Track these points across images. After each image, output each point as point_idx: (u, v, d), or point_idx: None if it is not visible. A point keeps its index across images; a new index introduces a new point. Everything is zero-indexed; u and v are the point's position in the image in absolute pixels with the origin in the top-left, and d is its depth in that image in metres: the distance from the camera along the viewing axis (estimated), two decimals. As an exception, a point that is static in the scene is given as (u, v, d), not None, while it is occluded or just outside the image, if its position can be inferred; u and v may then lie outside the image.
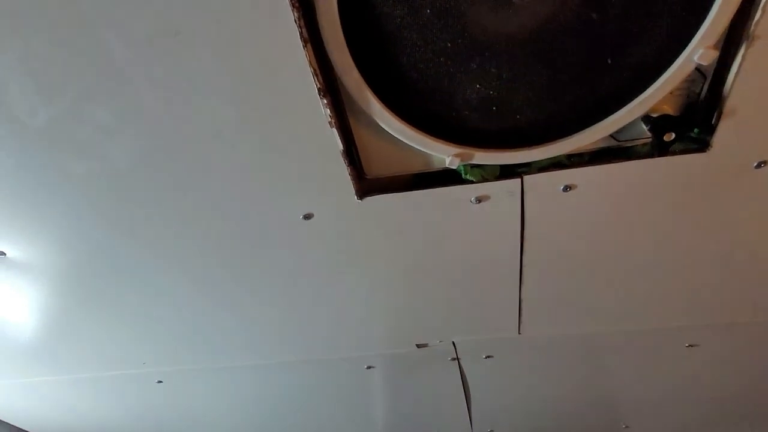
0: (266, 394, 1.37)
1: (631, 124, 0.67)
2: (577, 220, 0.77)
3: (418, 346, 1.13)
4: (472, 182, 0.73)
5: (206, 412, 1.48)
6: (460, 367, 1.21)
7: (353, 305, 0.99)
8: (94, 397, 1.42)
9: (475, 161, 0.70)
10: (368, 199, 0.75)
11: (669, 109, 0.65)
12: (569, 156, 0.71)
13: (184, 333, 1.12)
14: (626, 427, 1.53)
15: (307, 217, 0.79)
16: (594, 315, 1.00)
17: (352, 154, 0.71)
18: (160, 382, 1.32)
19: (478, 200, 0.74)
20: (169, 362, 1.22)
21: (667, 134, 0.64)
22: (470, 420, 1.49)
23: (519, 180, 0.72)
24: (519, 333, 1.06)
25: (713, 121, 0.65)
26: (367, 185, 0.76)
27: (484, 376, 1.26)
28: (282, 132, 0.67)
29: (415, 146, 0.69)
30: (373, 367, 1.22)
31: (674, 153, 0.68)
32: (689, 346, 1.09)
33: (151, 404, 1.44)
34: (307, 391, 1.35)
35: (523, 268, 0.87)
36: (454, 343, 1.12)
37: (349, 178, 0.73)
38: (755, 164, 0.69)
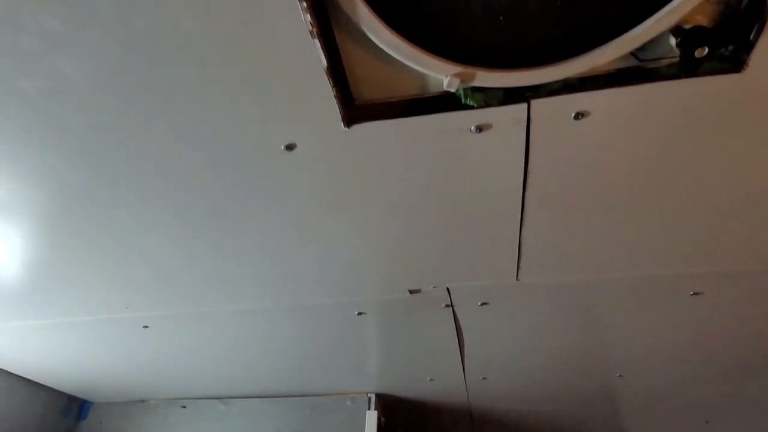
0: (254, 340, 1.34)
1: (655, 40, 0.58)
2: (588, 153, 0.70)
3: (411, 292, 1.09)
4: (472, 108, 0.65)
5: (194, 358, 1.46)
6: (454, 314, 1.17)
7: (342, 247, 0.93)
8: (79, 342, 1.39)
9: (476, 83, 0.62)
10: (356, 127, 0.68)
11: (703, 21, 0.56)
12: (582, 78, 0.63)
13: (165, 277, 1.07)
14: (620, 376, 1.53)
15: (289, 147, 0.71)
16: (597, 260, 0.95)
17: (337, 73, 0.63)
18: (146, 327, 1.29)
19: (479, 129, 0.67)
20: (152, 307, 1.18)
21: (698, 49, 0.55)
22: (463, 367, 1.47)
23: (525, 105, 0.64)
24: (517, 279, 1.01)
25: (752, 36, 0.56)
26: (355, 111, 0.68)
27: (478, 324, 1.22)
28: (256, 44, 0.58)
29: (409, 64, 0.60)
30: (364, 313, 1.19)
31: (704, 74, 0.60)
32: (693, 294, 1.04)
33: (137, 349, 1.42)
34: (296, 338, 1.32)
35: (525, 208, 0.81)
36: (448, 289, 1.07)
37: (334, 101, 0.65)
38: (795, 89, 0.61)
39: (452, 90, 0.62)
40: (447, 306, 1.14)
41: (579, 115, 0.64)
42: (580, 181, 0.75)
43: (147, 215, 0.88)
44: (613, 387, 1.64)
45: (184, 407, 1.81)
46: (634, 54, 0.60)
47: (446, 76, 0.61)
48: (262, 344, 1.36)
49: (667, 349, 1.33)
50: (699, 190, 0.76)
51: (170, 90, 0.64)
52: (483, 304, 1.12)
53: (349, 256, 0.96)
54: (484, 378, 1.56)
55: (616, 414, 1.94)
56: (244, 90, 0.64)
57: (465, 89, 0.64)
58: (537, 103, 0.63)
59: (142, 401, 1.86)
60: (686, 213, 0.80)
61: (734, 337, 1.24)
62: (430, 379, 1.59)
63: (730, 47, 0.58)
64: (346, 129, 0.68)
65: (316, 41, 0.57)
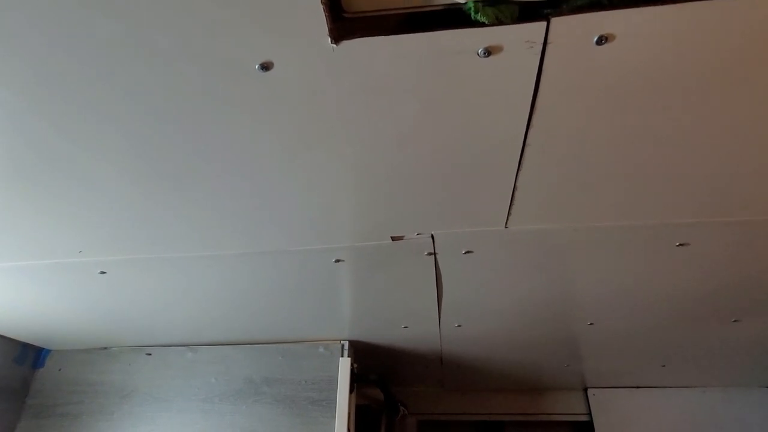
0: (223, 288, 1.26)
1: (698, -48, 0.50)
2: (605, 85, 0.63)
3: (394, 238, 1.02)
4: (482, 25, 0.56)
5: (159, 305, 1.38)
6: (436, 262, 1.12)
7: (321, 188, 0.85)
8: (30, 288, 1.28)
9: (490, -6, 0.53)
10: (346, 44, 0.58)
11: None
12: (610, -5, 0.55)
13: (122, 220, 0.97)
14: (591, 324, 1.55)
15: (265, 67, 0.61)
16: (590, 208, 0.91)
17: (326, -26, 0.52)
18: (104, 272, 1.19)
19: (487, 52, 0.58)
20: (108, 251, 1.08)
21: (751, -40, 0.48)
22: (439, 315, 1.45)
23: (544, 24, 0.55)
24: (506, 226, 0.96)
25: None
26: (345, 26, 0.58)
27: (459, 272, 1.18)
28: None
29: (412, -34, 0.51)
30: (342, 260, 1.12)
31: (746, -6, 0.52)
32: (679, 245, 1.03)
33: (96, 296, 1.32)
34: (269, 285, 1.25)
35: (525, 149, 0.74)
36: (432, 236, 1.01)
37: (322, 11, 0.54)
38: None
39: (461, 1, 0.53)
40: (429, 254, 1.09)
41: (602, 39, 0.56)
42: (590, 118, 0.68)
43: (99, 147, 0.76)
44: (582, 334, 1.67)
45: (149, 354, 1.75)
46: (672, -33, 0.52)
47: (455, -16, 0.52)
48: (232, 291, 1.29)
49: (641, 298, 1.34)
50: (713, 133, 0.70)
51: (117, -15, 0.52)
52: (467, 252, 1.08)
53: (329, 198, 0.88)
54: (458, 325, 1.55)
55: (579, 360, 2.01)
56: (211, -8, 0.52)
57: (476, 3, 0.55)
58: (558, 23, 0.55)
59: (105, 348, 1.78)
60: (691, 159, 0.76)
61: (707, 287, 1.25)
62: (405, 327, 1.58)
63: (781, -37, 0.51)
64: (334, 46, 0.58)
65: (303, -75, 0.46)
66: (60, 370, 1.77)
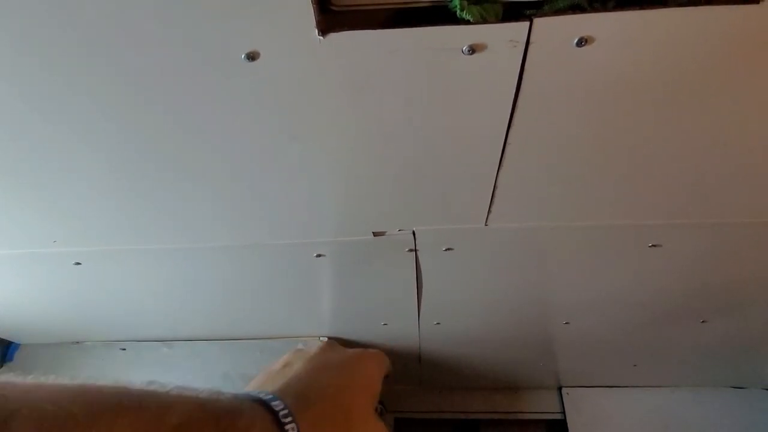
0: (202, 281, 1.25)
1: (674, -40, 0.53)
2: (585, 85, 0.64)
3: (375, 234, 1.03)
4: (468, 23, 0.57)
5: (135, 298, 1.36)
6: (416, 259, 1.13)
7: (304, 181, 0.85)
8: (3, 279, 1.25)
9: (475, -7, 0.54)
10: (333, 36, 0.58)
11: (730, -62, 0.50)
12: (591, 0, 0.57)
13: (99, 209, 0.95)
14: (566, 323, 1.58)
15: (251, 57, 0.61)
16: (569, 208, 0.93)
17: (314, -34, 0.53)
18: (78, 264, 1.16)
19: (472, 50, 0.59)
20: (84, 242, 1.06)
21: (724, -30, 0.50)
22: (418, 312, 1.47)
23: (527, 24, 0.57)
24: (486, 224, 0.98)
25: (775, -37, 0.52)
26: (332, 19, 0.58)
27: (439, 270, 1.20)
28: None
29: (400, -39, 0.51)
30: (323, 255, 1.12)
31: (719, 2, 0.55)
32: (652, 246, 1.06)
33: (69, 288, 1.29)
34: (248, 280, 1.25)
35: (507, 147, 0.75)
36: (414, 233, 1.02)
37: (310, 3, 0.55)
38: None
39: (448, -1, 0.54)
40: (410, 250, 1.10)
41: (582, 41, 0.58)
42: (570, 119, 0.70)
43: (79, 133, 0.75)
44: (558, 333, 1.71)
45: (124, 349, 1.72)
46: (649, -27, 0.54)
47: (442, -19, 0.53)
48: (209, 284, 1.28)
49: (613, 298, 1.37)
50: (690, 136, 0.73)
51: (102, -32, 0.51)
52: (448, 249, 1.09)
53: (312, 192, 0.88)
54: (437, 323, 1.57)
55: (554, 359, 2.04)
56: (197, -22, 0.52)
57: (462, 1, 0.56)
58: (540, 23, 0.56)
59: (77, 343, 1.74)
60: (669, 161, 0.78)
61: (677, 288, 1.29)
62: (384, 324, 1.58)
63: (751, -26, 0.53)
64: (321, 38, 0.58)
65: None
66: (29, 364, 1.72)
